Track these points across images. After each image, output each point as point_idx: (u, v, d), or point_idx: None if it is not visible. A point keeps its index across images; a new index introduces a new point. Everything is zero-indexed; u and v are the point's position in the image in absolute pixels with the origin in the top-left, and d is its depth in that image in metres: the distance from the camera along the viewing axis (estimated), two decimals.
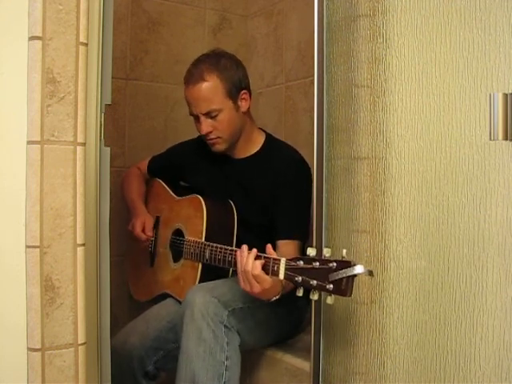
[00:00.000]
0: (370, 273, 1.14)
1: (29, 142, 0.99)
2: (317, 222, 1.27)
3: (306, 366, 1.46)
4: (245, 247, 1.34)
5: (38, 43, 0.99)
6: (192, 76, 1.58)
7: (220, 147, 1.63)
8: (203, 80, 1.56)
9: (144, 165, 1.90)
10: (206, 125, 1.58)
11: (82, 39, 1.03)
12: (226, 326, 1.39)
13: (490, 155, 1.02)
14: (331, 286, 1.14)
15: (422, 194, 1.14)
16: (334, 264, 1.14)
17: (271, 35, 2.34)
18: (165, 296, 1.70)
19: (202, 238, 1.58)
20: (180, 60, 2.24)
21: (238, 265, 1.33)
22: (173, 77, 2.23)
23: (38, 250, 0.99)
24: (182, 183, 1.84)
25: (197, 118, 1.61)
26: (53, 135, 1.00)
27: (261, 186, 1.62)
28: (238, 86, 1.60)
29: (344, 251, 1.14)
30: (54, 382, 1.00)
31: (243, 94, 1.62)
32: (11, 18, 1.01)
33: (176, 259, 1.69)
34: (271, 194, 1.59)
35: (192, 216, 1.65)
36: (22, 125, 1.00)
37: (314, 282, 1.16)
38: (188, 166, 1.78)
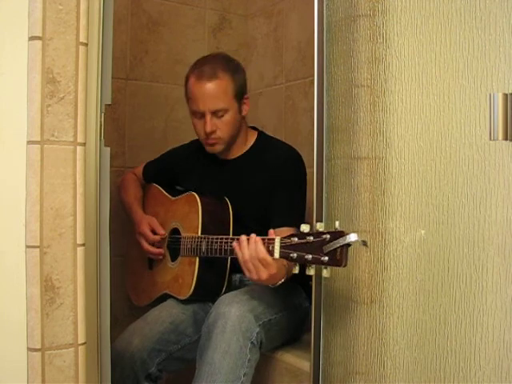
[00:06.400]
0: (365, 243, 1.14)
1: (29, 142, 0.99)
2: (317, 221, 1.27)
3: (306, 365, 1.45)
4: (243, 237, 1.33)
5: (38, 43, 0.99)
6: (204, 72, 1.57)
7: (218, 148, 1.64)
8: (217, 77, 1.56)
9: (139, 170, 1.90)
10: (212, 123, 1.58)
11: (82, 39, 1.03)
12: (252, 343, 1.39)
13: (490, 155, 1.02)
14: (326, 257, 1.14)
15: (421, 194, 1.14)
16: (328, 236, 1.15)
17: (271, 35, 2.33)
18: (165, 297, 1.69)
19: (198, 233, 1.57)
20: (180, 60, 2.24)
21: (239, 254, 1.32)
22: (173, 77, 2.22)
23: (37, 249, 0.99)
24: (178, 187, 1.83)
25: (200, 117, 1.60)
26: (53, 135, 1.00)
27: (255, 182, 1.63)
28: (243, 90, 1.64)
29: (337, 223, 1.15)
30: (53, 382, 1.00)
31: (245, 98, 1.65)
32: (11, 18, 1.01)
33: (174, 258, 1.68)
34: (266, 188, 1.60)
35: (188, 212, 1.64)
36: (22, 125, 1.00)
37: (309, 256, 1.17)
38: (182, 170, 1.78)
